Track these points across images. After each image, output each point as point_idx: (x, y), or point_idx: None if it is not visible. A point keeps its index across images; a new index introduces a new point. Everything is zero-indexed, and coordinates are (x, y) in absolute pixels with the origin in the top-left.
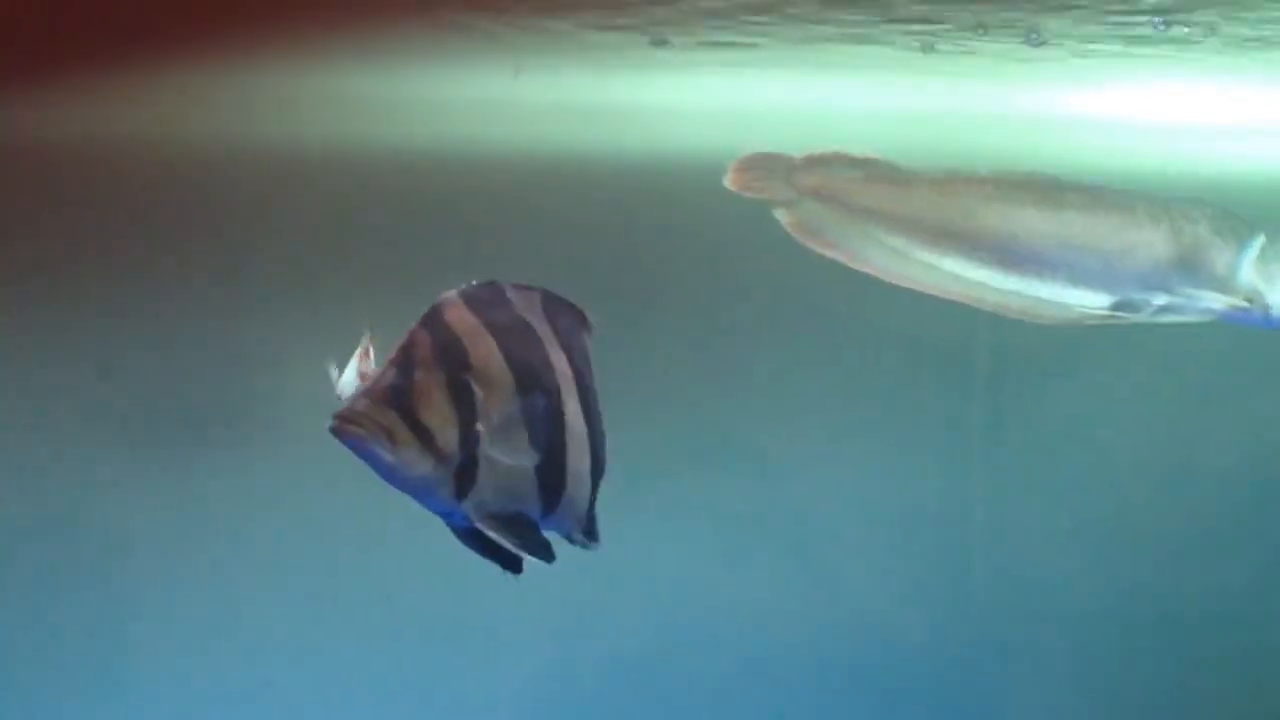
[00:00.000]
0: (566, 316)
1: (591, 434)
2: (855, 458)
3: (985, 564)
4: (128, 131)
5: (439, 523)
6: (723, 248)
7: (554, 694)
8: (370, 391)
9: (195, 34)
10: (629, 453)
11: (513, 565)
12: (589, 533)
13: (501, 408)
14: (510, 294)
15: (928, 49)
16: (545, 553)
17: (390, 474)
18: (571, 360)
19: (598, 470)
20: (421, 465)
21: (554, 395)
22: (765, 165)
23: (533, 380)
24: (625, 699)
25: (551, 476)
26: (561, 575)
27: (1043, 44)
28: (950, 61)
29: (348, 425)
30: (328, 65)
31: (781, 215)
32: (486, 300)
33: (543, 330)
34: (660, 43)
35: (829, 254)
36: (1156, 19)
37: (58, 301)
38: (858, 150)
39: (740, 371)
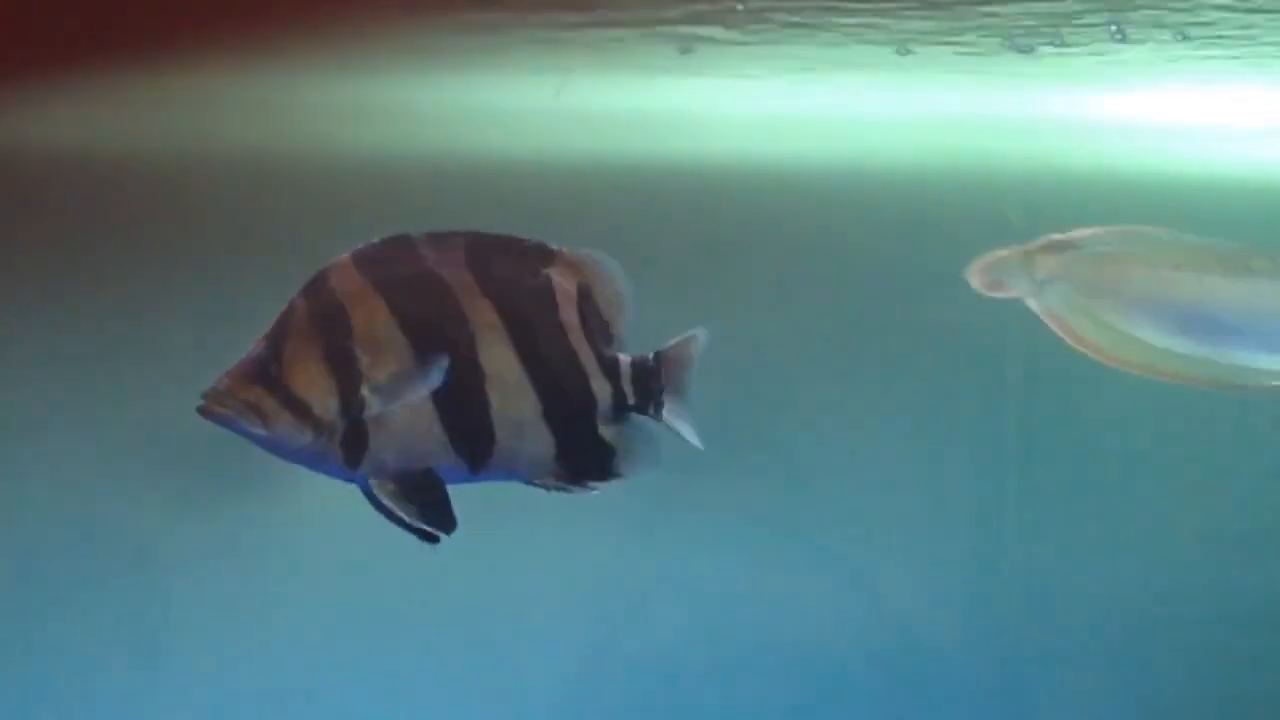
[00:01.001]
0: (508, 258)
1: (543, 375)
2: (890, 460)
3: (1021, 568)
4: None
5: (467, 527)
6: (754, 251)
7: (584, 697)
8: (235, 369)
9: (220, 40)
10: (662, 453)
11: (428, 537)
12: (572, 475)
13: (391, 369)
14: (423, 247)
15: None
16: (444, 523)
17: (270, 448)
18: (501, 307)
19: (573, 409)
20: (299, 438)
21: (466, 346)
22: (1005, 262)
23: (432, 335)
24: (655, 701)
25: (470, 429)
26: (591, 577)
27: (1032, 50)
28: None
29: (211, 405)
30: (367, 73)
31: (1032, 304)
32: (383, 258)
33: (460, 280)
34: (687, 50)
35: (1069, 339)
36: (1113, 27)
37: (81, 314)
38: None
39: (774, 373)
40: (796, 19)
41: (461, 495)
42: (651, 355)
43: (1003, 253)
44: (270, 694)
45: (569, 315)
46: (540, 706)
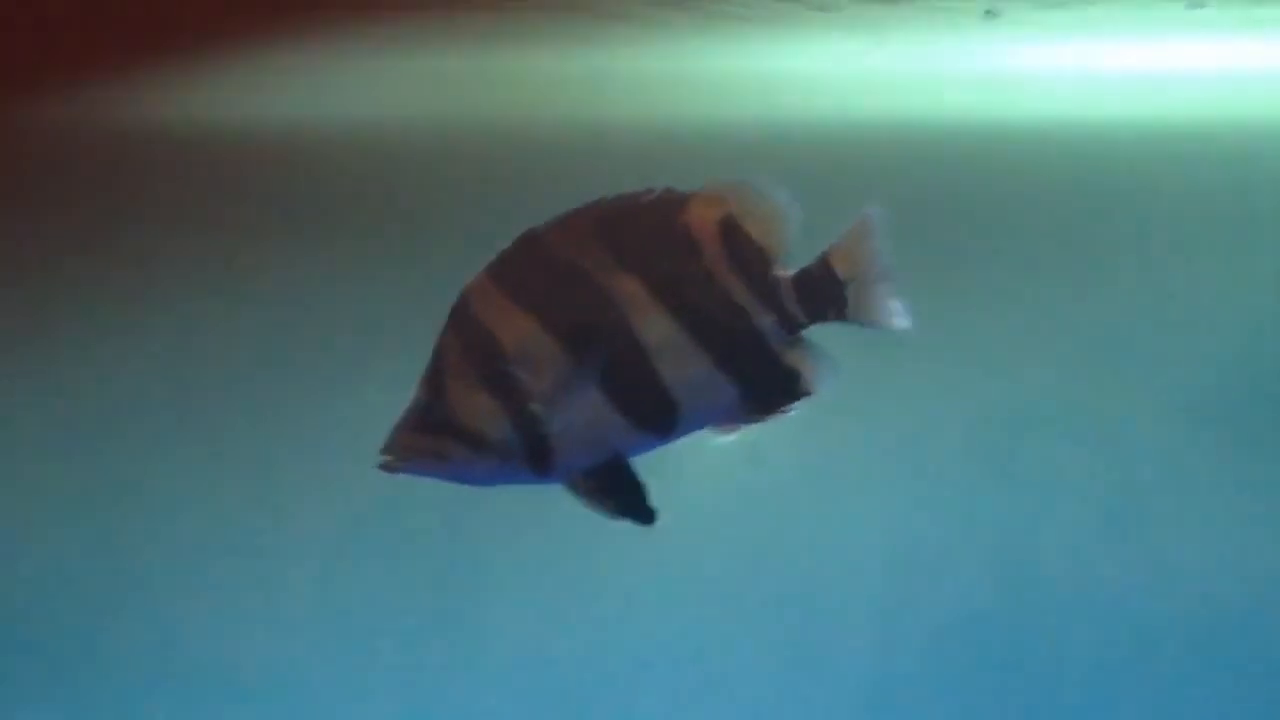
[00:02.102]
0: (637, 219)
1: (705, 328)
2: (1207, 443)
3: None
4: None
5: (769, 491)
6: (1059, 212)
7: (882, 661)
8: (404, 419)
9: (474, 12)
10: (972, 418)
11: (646, 519)
12: (763, 409)
13: (554, 375)
14: (553, 238)
15: None
16: (642, 515)
17: (460, 483)
18: (643, 275)
19: (744, 350)
20: (483, 466)
21: (620, 327)
22: None
23: (584, 329)
24: (951, 666)
25: (648, 407)
26: (882, 544)
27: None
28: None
29: (392, 461)
30: (669, 39)
31: None
32: (516, 264)
33: (595, 261)
34: (993, 13)
35: None
36: None
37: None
38: None
39: (1097, 345)
40: None
41: (767, 460)
42: (817, 259)
43: None
44: (588, 666)
45: (714, 257)
46: (838, 666)
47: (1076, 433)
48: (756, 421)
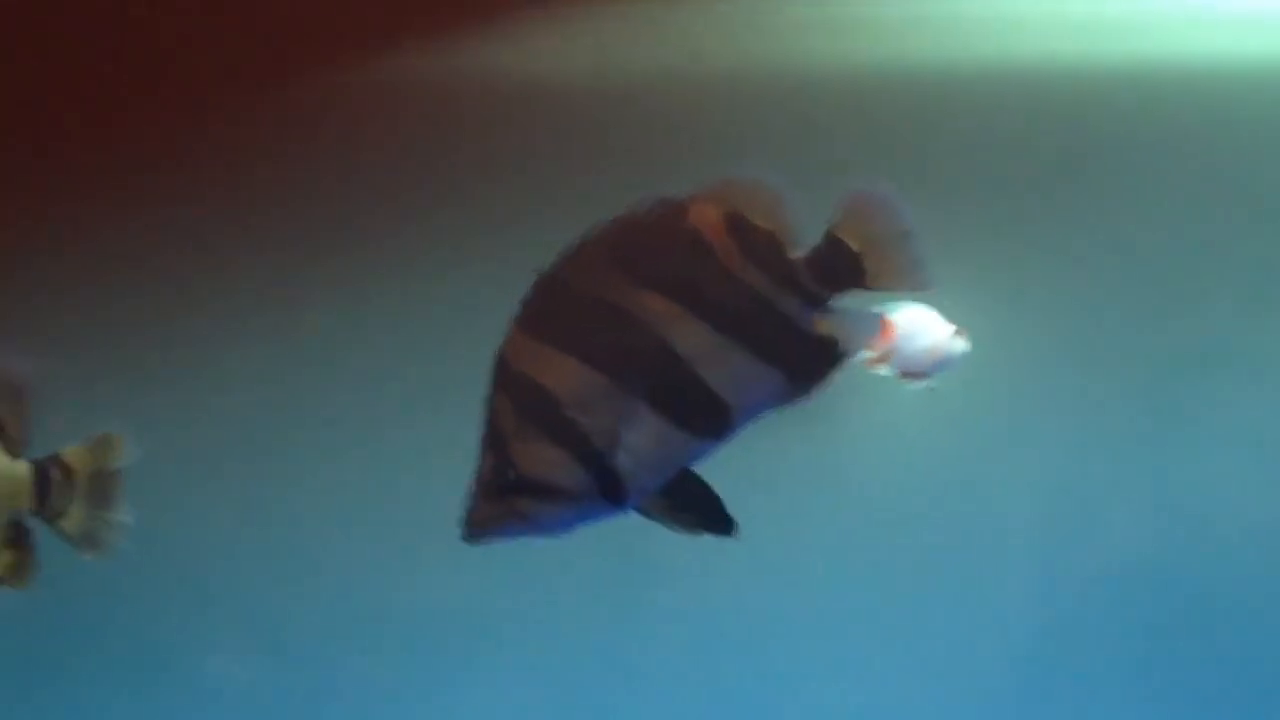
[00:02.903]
0: (645, 234)
1: (735, 325)
2: None
3: None
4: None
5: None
6: (1245, 153)
7: (1031, 607)
8: (477, 490)
9: None
10: (1141, 358)
11: (725, 529)
12: (809, 384)
13: (609, 408)
14: (570, 274)
15: None
16: (720, 525)
17: (542, 535)
18: (663, 289)
19: (777, 336)
20: (563, 515)
21: (655, 345)
22: None
23: (622, 358)
24: (1108, 616)
25: (699, 414)
26: (1045, 490)
27: None
28: None
29: (474, 532)
30: None
31: None
32: (542, 310)
33: (617, 289)
34: None
35: None
36: None
37: None
38: None
39: (1271, 281)
40: None
41: (930, 404)
42: (824, 237)
43: None
44: (743, 634)
45: (728, 254)
46: (998, 615)
47: (1250, 372)
48: (806, 395)
